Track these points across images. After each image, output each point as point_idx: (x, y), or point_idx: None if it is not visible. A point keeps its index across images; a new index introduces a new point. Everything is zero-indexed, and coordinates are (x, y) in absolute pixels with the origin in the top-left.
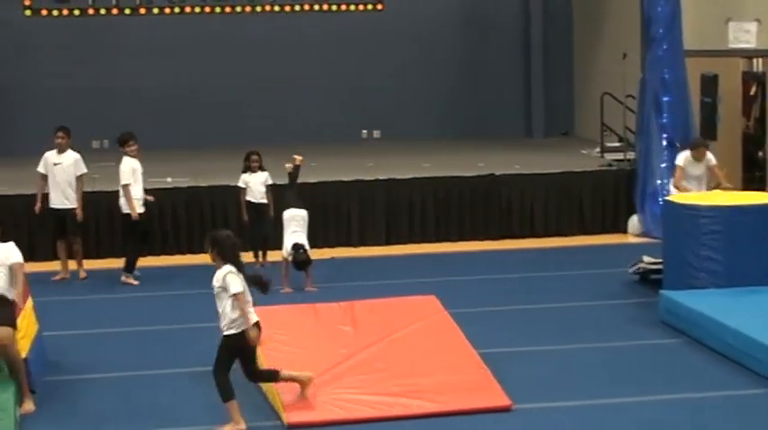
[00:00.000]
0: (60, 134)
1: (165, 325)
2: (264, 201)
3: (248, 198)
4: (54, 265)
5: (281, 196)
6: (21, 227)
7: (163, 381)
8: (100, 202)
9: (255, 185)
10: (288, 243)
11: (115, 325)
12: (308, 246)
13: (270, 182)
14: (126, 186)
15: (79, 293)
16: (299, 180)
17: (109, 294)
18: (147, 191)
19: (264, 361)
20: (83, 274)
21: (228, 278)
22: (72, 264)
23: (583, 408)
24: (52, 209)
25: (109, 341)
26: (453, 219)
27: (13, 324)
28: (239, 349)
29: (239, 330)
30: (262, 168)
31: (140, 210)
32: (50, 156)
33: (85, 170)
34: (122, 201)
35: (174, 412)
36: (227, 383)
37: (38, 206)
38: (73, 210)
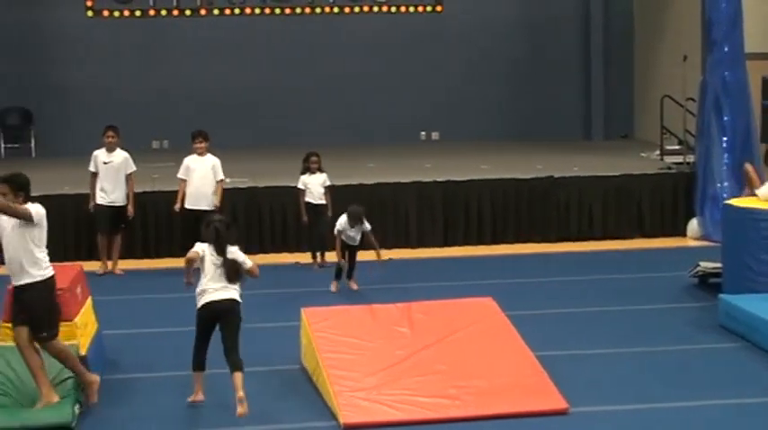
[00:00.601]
0: (110, 133)
1: None
2: (323, 201)
3: (307, 199)
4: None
5: (338, 197)
6: (76, 226)
7: (218, 381)
8: (159, 202)
9: (314, 187)
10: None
11: (172, 324)
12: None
13: (328, 183)
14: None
15: (138, 292)
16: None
17: (166, 293)
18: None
19: (321, 361)
20: (118, 271)
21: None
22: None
23: (640, 412)
24: (102, 205)
25: (166, 340)
26: (511, 221)
27: (28, 322)
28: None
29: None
30: (321, 170)
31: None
32: (100, 154)
33: (134, 168)
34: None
35: (228, 411)
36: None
37: (92, 204)
38: (121, 207)
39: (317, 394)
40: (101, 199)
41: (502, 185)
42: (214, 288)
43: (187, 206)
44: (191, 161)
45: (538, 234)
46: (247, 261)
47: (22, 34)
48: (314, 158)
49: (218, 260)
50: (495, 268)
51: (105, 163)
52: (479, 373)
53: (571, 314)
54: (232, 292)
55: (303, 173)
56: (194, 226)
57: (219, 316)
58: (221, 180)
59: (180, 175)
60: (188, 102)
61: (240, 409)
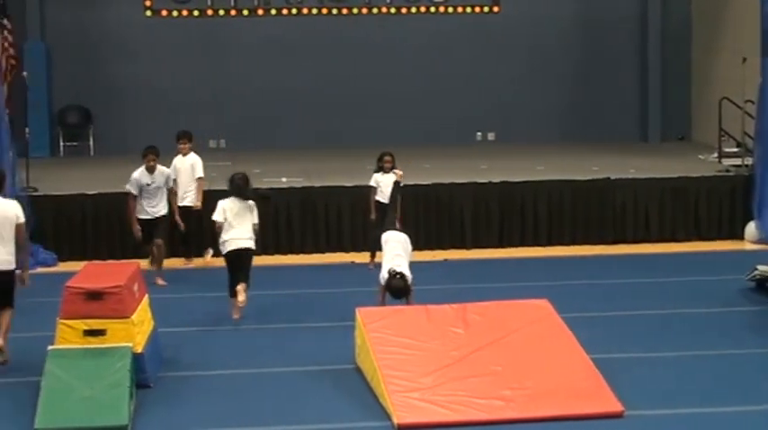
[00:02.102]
0: (151, 156)
1: (276, 324)
2: None
3: (377, 197)
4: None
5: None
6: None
7: (275, 380)
8: (214, 201)
9: (386, 186)
10: (385, 268)
11: (227, 322)
12: (408, 274)
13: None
14: None
15: (194, 290)
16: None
17: (222, 292)
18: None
19: (376, 361)
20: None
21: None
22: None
23: (695, 416)
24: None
25: (222, 338)
26: (567, 223)
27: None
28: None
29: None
30: (394, 170)
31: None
32: (142, 177)
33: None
34: None
35: (285, 410)
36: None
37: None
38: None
39: (371, 394)
40: (144, 214)
41: (558, 187)
42: (236, 238)
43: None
44: (177, 161)
45: (594, 236)
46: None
47: (82, 34)
48: (387, 158)
49: (243, 204)
50: (550, 270)
51: (148, 184)
52: (534, 375)
53: (626, 317)
54: (248, 242)
55: (376, 171)
56: (182, 221)
57: (241, 257)
58: (200, 178)
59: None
60: (245, 101)
61: (236, 315)
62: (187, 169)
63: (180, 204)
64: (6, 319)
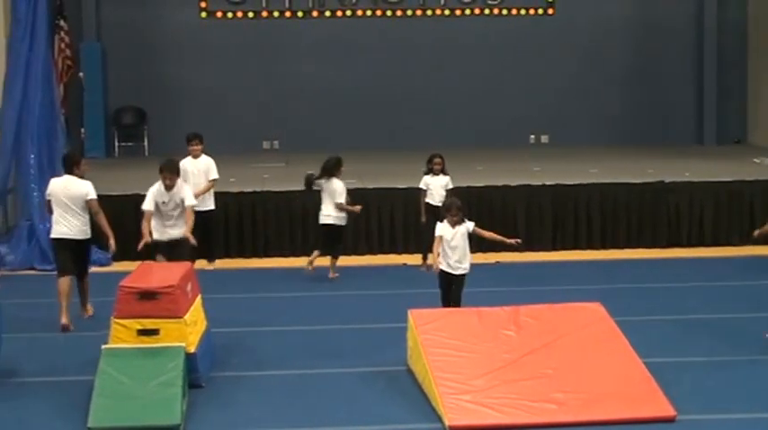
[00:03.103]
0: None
1: (329, 325)
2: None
3: (427, 200)
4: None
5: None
6: None
7: (326, 380)
8: (268, 202)
9: (436, 188)
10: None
11: (280, 323)
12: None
13: (450, 186)
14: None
15: (247, 291)
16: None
17: (275, 292)
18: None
19: (428, 363)
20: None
21: None
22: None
23: (747, 421)
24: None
25: (274, 339)
26: (620, 226)
27: None
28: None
29: None
30: (444, 172)
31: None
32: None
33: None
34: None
35: (336, 411)
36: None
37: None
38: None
39: (423, 396)
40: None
41: (612, 190)
42: (323, 213)
43: None
44: (186, 163)
45: (647, 239)
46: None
47: (138, 35)
48: (437, 160)
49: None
50: (603, 273)
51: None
52: (586, 379)
53: (680, 321)
54: (329, 219)
55: (426, 173)
56: (198, 226)
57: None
58: (214, 179)
59: None
60: (298, 102)
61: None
62: (200, 172)
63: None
64: (87, 286)
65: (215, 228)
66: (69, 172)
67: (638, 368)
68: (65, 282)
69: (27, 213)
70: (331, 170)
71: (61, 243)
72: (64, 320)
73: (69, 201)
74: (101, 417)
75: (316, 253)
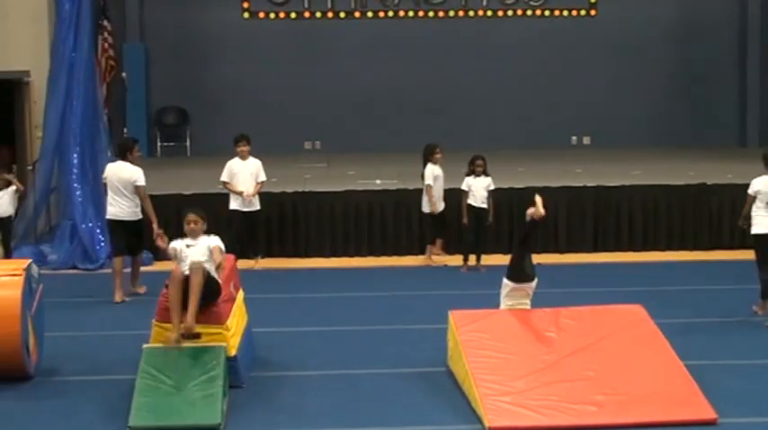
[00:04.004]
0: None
1: (369, 325)
2: (485, 206)
3: (469, 201)
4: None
5: (499, 202)
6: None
7: (366, 381)
8: (309, 202)
9: (478, 190)
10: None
11: (320, 323)
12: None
13: (492, 187)
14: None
15: (288, 290)
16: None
17: (316, 293)
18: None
19: (468, 364)
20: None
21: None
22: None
23: None
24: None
25: (314, 339)
26: (662, 228)
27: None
28: None
29: None
30: (486, 173)
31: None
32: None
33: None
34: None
35: (376, 412)
36: None
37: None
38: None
39: (463, 397)
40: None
41: (653, 191)
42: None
43: (234, 207)
44: (234, 164)
45: (689, 241)
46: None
47: (180, 35)
48: (479, 161)
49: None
50: (645, 275)
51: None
52: (627, 381)
53: (721, 323)
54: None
55: (468, 175)
56: (242, 226)
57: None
58: (262, 182)
59: (223, 178)
60: (340, 103)
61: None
62: (248, 173)
63: (239, 209)
64: (138, 265)
65: (260, 227)
66: (123, 158)
67: (680, 370)
68: (117, 262)
69: (69, 213)
70: (425, 157)
71: (113, 223)
72: (117, 298)
73: (120, 185)
74: (142, 417)
75: (440, 242)
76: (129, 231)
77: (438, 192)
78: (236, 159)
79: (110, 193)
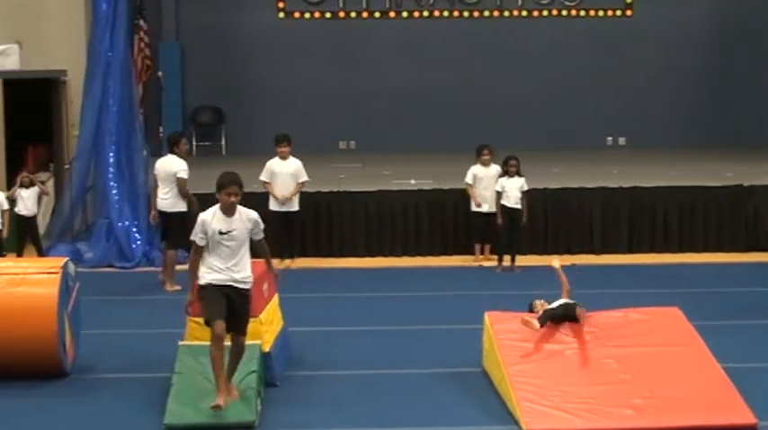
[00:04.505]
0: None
1: (404, 325)
2: (519, 206)
3: (503, 202)
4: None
5: (534, 202)
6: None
7: (401, 381)
8: (345, 202)
9: (511, 190)
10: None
11: (356, 323)
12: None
13: (525, 188)
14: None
15: (323, 290)
16: None
17: (351, 292)
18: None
19: (504, 367)
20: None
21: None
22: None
23: None
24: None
25: (349, 339)
26: (698, 230)
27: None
28: None
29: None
30: (519, 173)
31: None
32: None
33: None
34: None
35: (410, 412)
36: None
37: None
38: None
39: (498, 398)
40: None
41: (690, 193)
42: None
43: (273, 208)
44: (274, 164)
45: (726, 243)
46: None
47: (216, 35)
48: (512, 162)
49: None
50: (681, 277)
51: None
52: (665, 384)
53: (759, 326)
54: None
55: (501, 175)
56: (280, 227)
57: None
58: (303, 182)
59: (262, 178)
60: (375, 103)
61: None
62: (289, 173)
63: (279, 209)
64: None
65: (297, 229)
66: (171, 151)
67: (718, 373)
68: (170, 254)
69: (105, 211)
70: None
71: (161, 215)
72: (168, 287)
73: (166, 177)
74: (177, 414)
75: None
76: (170, 222)
77: (486, 193)
78: (276, 159)
79: (159, 185)
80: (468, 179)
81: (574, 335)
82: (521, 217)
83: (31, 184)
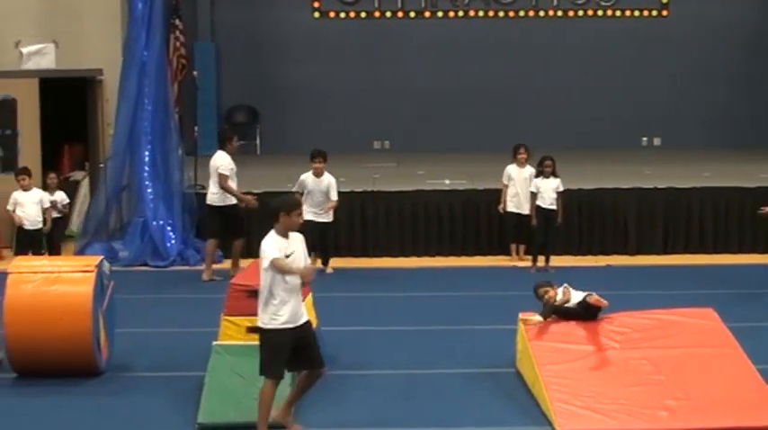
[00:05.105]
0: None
1: (437, 325)
2: (553, 207)
3: (538, 203)
4: None
5: (568, 203)
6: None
7: (434, 381)
8: (379, 202)
9: (546, 191)
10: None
11: (387, 322)
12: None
13: (561, 188)
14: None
15: (356, 290)
16: None
17: (384, 292)
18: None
19: (538, 368)
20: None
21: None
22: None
23: None
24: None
25: (383, 339)
26: (733, 230)
27: None
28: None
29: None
30: (555, 174)
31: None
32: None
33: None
34: None
35: (444, 412)
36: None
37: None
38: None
39: (531, 399)
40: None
41: (725, 194)
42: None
43: (308, 218)
44: (308, 180)
45: (762, 244)
46: None
47: (251, 34)
48: (548, 162)
49: None
50: (716, 278)
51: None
52: (699, 385)
53: None
54: None
55: (536, 176)
56: (314, 235)
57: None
58: (334, 202)
59: (295, 189)
60: (410, 103)
61: None
62: (323, 190)
63: (317, 221)
64: (237, 249)
65: (331, 239)
66: (221, 147)
67: (753, 375)
68: (208, 244)
69: (140, 210)
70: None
71: (207, 208)
72: (204, 276)
73: (211, 171)
74: (211, 413)
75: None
76: (221, 216)
77: (520, 194)
78: (310, 174)
79: (210, 181)
80: (505, 179)
81: (607, 336)
82: (555, 218)
83: (58, 188)
